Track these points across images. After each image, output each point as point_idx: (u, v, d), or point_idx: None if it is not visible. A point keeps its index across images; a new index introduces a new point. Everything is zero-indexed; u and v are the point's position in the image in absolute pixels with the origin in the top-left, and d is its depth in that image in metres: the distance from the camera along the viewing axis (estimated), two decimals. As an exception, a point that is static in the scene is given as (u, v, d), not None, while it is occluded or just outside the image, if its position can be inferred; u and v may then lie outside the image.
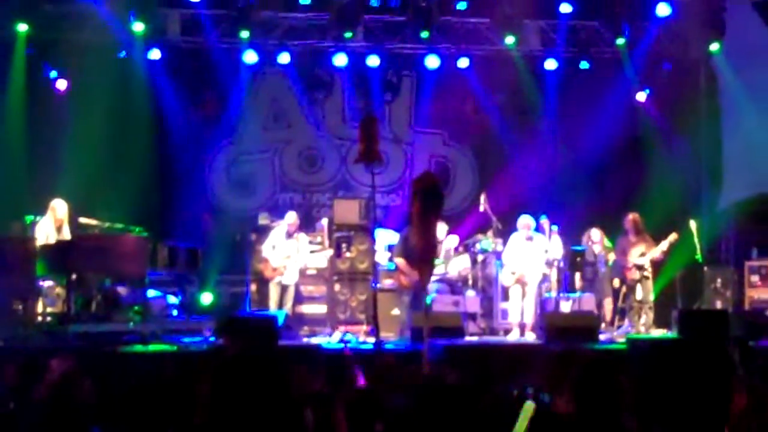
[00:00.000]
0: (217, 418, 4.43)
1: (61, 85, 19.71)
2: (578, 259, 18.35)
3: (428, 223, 15.71)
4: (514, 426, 5.74)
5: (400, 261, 17.15)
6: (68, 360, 7.72)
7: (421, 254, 15.78)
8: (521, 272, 17.66)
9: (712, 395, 5.34)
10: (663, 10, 19.44)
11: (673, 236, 17.77)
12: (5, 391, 7.76)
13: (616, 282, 18.19)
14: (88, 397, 6.46)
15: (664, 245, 17.77)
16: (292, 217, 18.37)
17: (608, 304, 18.45)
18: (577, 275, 18.84)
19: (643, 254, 17.83)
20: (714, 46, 19.67)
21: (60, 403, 6.39)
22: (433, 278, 16.31)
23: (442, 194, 16.16)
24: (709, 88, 21.08)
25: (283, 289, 17.94)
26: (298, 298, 18.30)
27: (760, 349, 14.81)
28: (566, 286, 18.29)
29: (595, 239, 18.53)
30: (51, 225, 16.53)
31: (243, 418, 4.37)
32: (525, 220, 17.81)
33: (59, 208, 16.68)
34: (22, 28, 18.63)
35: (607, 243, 18.47)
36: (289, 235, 18.12)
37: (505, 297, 18.12)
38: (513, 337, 17.48)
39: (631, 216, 18.10)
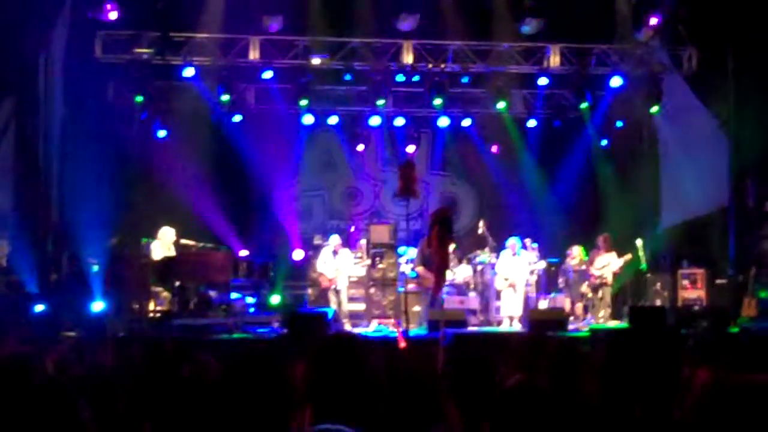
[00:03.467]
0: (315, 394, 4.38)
1: (167, 139, 19.78)
2: (553, 268, 18.30)
3: (444, 245, 15.77)
4: None
5: (420, 269, 17.19)
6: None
7: (438, 267, 15.85)
8: (511, 279, 17.69)
9: (657, 369, 5.32)
10: (616, 81, 19.40)
11: (628, 256, 17.84)
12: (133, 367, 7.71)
13: (584, 286, 18.12)
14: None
15: (622, 262, 17.80)
16: (335, 239, 18.42)
17: (578, 302, 18.37)
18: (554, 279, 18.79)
19: (605, 266, 17.80)
20: (654, 109, 19.58)
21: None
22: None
23: (452, 223, 16.27)
24: (651, 140, 20.99)
25: (337, 293, 17.95)
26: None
27: (690, 334, 14.78)
28: (544, 288, 18.24)
29: (574, 254, 18.45)
30: (162, 247, 16.62)
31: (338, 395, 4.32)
32: (512, 241, 18.03)
33: (168, 234, 16.79)
34: (139, 99, 18.69)
35: (584, 256, 18.39)
36: (335, 252, 18.14)
37: (498, 297, 18.09)
38: (505, 326, 17.49)
39: (603, 235, 18.20)
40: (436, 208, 18.08)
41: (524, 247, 18.22)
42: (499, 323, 17.94)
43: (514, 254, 17.90)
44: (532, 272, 18.07)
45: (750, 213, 18.26)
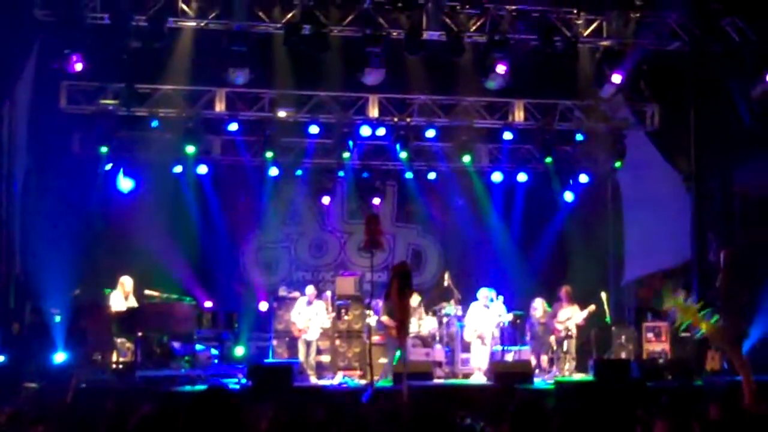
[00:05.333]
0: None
1: (132, 190, 19.74)
2: (518, 321, 18.32)
3: (404, 298, 15.84)
4: None
5: (385, 318, 17.22)
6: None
7: (399, 321, 15.90)
8: (481, 331, 17.70)
9: (620, 421, 5.38)
10: (579, 137, 19.68)
11: (591, 307, 17.97)
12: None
13: (550, 338, 18.15)
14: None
15: (585, 313, 17.89)
16: (310, 289, 18.48)
17: (544, 355, 18.39)
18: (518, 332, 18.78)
19: (569, 318, 17.87)
20: (617, 164, 19.81)
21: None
22: (410, 335, 16.34)
23: (411, 277, 16.34)
24: (614, 194, 21.26)
25: (308, 344, 17.90)
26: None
27: (655, 387, 14.87)
28: (509, 341, 18.25)
29: (537, 306, 18.49)
30: (121, 296, 16.52)
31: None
32: (484, 292, 18.06)
33: (127, 283, 16.70)
34: (104, 149, 18.67)
35: (547, 308, 18.43)
36: (309, 302, 18.15)
37: (467, 349, 18.08)
38: (476, 378, 17.42)
39: (564, 288, 18.28)
40: (396, 263, 18.13)
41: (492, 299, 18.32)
42: (467, 375, 17.90)
43: (486, 306, 17.90)
44: (498, 324, 18.07)
45: (713, 267, 18.42)
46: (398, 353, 15.90)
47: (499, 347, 17.90)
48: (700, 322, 13.68)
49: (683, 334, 15.85)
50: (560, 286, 18.43)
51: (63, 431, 6.72)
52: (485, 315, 17.87)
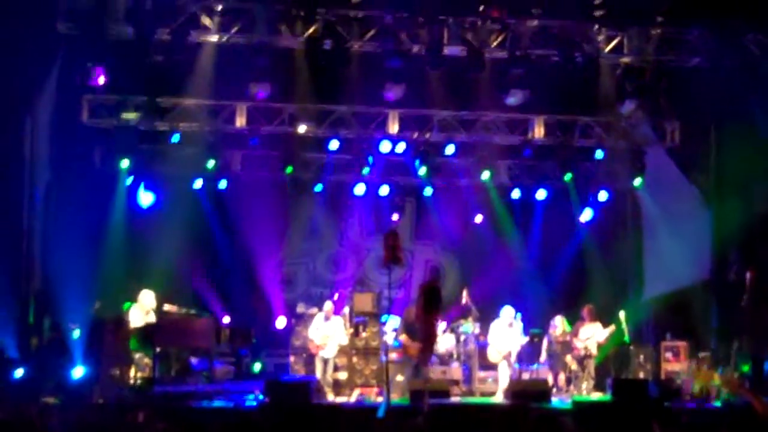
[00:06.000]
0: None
1: (153, 204, 19.80)
2: (536, 339, 18.22)
3: (430, 317, 15.84)
4: None
5: (403, 337, 17.17)
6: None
7: (423, 339, 15.90)
8: (506, 350, 17.60)
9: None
10: (599, 154, 19.62)
11: (612, 327, 17.79)
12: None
13: (568, 357, 18.05)
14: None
15: (607, 333, 17.77)
16: (328, 305, 18.40)
17: (561, 374, 18.28)
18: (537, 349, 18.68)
19: (590, 337, 17.78)
20: (637, 181, 19.75)
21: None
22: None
23: (441, 296, 16.30)
24: (634, 211, 21.15)
25: (325, 361, 17.85)
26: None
27: (673, 408, 14.77)
28: (527, 359, 18.14)
29: (557, 324, 18.38)
30: (140, 312, 16.52)
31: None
32: (508, 311, 17.87)
33: (146, 298, 16.68)
34: (125, 163, 18.71)
35: (567, 327, 18.33)
36: (327, 318, 18.09)
37: (483, 368, 18.02)
38: (498, 398, 17.25)
39: (587, 307, 18.21)
40: (425, 280, 18.14)
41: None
42: (485, 394, 17.80)
43: (510, 324, 17.80)
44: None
45: (732, 286, 18.30)
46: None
47: (516, 366, 17.82)
48: (710, 378, 13.81)
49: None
50: (581, 305, 18.34)
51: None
52: (509, 334, 17.75)
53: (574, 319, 18.33)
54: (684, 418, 12.54)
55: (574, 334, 17.97)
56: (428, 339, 15.92)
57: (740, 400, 14.56)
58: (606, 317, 18.12)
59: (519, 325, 17.90)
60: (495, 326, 17.87)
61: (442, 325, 18.11)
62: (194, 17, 16.23)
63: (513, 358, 17.68)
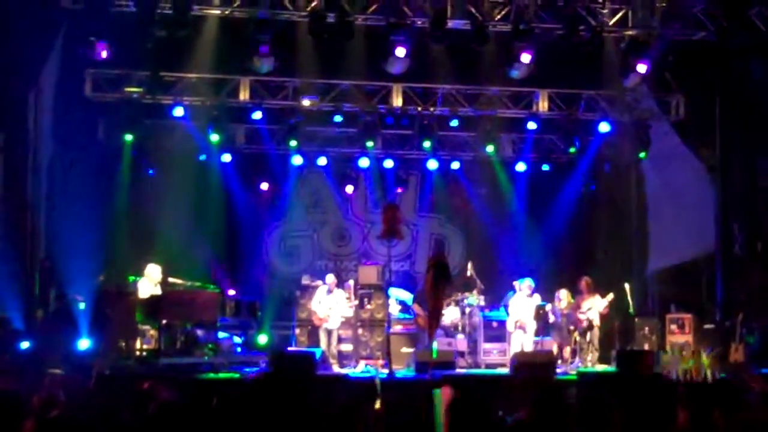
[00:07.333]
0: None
1: (156, 178, 19.86)
2: (541, 311, 18.27)
3: (437, 290, 15.87)
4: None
5: (416, 306, 17.23)
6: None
7: (430, 312, 15.95)
8: (522, 321, 17.73)
9: (644, 413, 5.35)
10: (604, 127, 19.57)
11: (611, 296, 17.81)
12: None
13: (573, 330, 18.09)
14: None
15: (606, 302, 17.77)
16: (331, 278, 18.50)
17: (566, 346, 18.33)
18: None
19: (590, 308, 17.80)
20: (642, 154, 19.71)
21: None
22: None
23: (449, 270, 16.34)
24: (638, 185, 21.14)
25: (329, 333, 17.95)
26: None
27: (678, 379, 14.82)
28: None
29: (562, 297, 18.40)
30: (148, 284, 16.55)
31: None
32: (527, 282, 18.03)
33: (154, 272, 16.71)
34: (128, 137, 18.71)
35: (571, 299, 18.35)
36: (330, 291, 18.18)
37: (488, 339, 18.12)
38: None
39: (584, 279, 18.15)
40: (433, 253, 18.20)
41: (513, 289, 18.33)
42: (490, 366, 17.90)
43: (529, 296, 17.98)
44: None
45: (737, 258, 18.32)
46: (434, 345, 15.93)
47: (536, 338, 17.97)
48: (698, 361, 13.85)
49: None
50: (580, 278, 18.33)
51: (86, 417, 6.76)
52: (527, 305, 17.97)
53: (575, 294, 18.37)
54: (680, 389, 12.51)
55: (576, 307, 18.00)
56: (435, 312, 15.94)
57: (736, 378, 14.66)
58: (611, 289, 18.11)
59: (537, 296, 18.05)
60: (516, 297, 18.12)
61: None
62: (197, -10, 16.18)
63: (531, 328, 17.82)
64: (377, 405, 8.72)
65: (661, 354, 17.01)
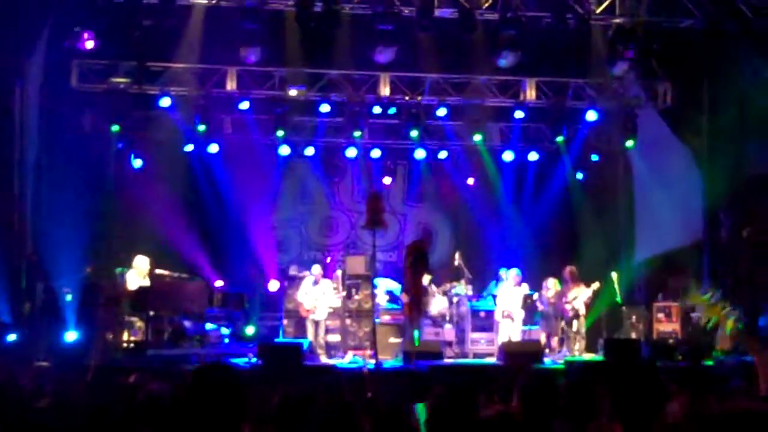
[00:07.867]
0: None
1: (142, 169, 19.80)
2: (529, 301, 18.32)
3: (417, 277, 15.88)
4: None
5: (404, 296, 17.31)
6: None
7: (411, 299, 15.96)
8: (509, 310, 17.79)
9: (632, 402, 5.35)
10: (591, 116, 19.60)
11: (596, 284, 17.86)
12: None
13: (560, 319, 18.13)
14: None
15: (590, 292, 17.80)
16: (317, 269, 18.50)
17: (554, 335, 18.37)
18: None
19: (576, 297, 17.83)
20: (629, 142, 19.70)
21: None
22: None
23: (427, 256, 16.36)
24: (625, 173, 21.15)
25: (316, 324, 17.95)
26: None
27: (665, 368, 14.82)
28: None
29: (549, 286, 18.43)
30: (137, 276, 16.52)
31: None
32: (514, 272, 18.13)
33: (142, 263, 16.68)
34: (115, 128, 18.65)
35: (559, 288, 18.38)
36: (316, 282, 18.18)
37: (475, 329, 18.16)
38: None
39: (568, 268, 18.19)
40: (412, 241, 18.20)
41: (499, 279, 18.38)
42: (477, 355, 17.98)
43: (517, 285, 18.09)
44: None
45: (724, 246, 18.35)
46: (416, 333, 15.97)
47: (525, 328, 18.05)
48: (726, 320, 13.77)
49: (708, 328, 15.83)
50: (565, 267, 18.35)
51: (76, 410, 6.74)
52: (514, 295, 18.12)
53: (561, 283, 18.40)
54: (675, 376, 12.55)
55: (561, 296, 18.04)
56: (416, 299, 15.98)
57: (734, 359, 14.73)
58: (598, 278, 18.14)
59: (526, 285, 18.11)
60: (502, 287, 18.25)
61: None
62: (183, -20, 16.12)
63: (518, 317, 17.90)
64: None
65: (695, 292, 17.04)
